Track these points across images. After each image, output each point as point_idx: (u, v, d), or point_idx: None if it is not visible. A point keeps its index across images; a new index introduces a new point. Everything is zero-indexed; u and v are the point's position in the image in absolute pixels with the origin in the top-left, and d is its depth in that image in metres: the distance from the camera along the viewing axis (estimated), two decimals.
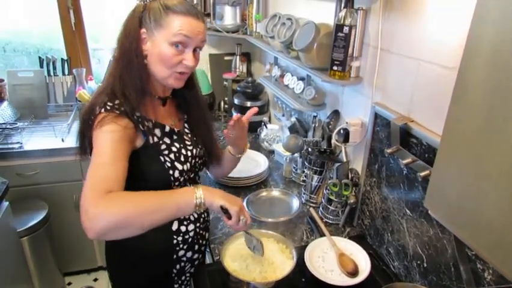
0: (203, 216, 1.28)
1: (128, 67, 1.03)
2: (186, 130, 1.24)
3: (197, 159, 1.23)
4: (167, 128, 1.14)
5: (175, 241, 1.18)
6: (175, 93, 1.21)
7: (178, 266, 1.23)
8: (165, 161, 1.10)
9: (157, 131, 1.11)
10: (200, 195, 0.96)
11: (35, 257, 2.19)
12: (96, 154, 0.95)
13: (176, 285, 1.26)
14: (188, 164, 1.16)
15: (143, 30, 1.04)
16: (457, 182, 0.68)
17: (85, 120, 1.04)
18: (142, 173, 1.07)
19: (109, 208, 0.84)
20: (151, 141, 1.08)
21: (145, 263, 1.18)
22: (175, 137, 1.16)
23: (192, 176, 1.23)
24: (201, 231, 1.27)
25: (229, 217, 1.02)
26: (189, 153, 1.18)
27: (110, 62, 1.15)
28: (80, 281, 2.66)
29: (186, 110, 1.26)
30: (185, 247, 1.21)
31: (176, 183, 1.14)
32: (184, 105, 1.25)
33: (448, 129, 0.68)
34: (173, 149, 1.13)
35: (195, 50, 1.07)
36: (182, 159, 1.14)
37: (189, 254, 1.24)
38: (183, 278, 1.27)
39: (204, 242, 1.30)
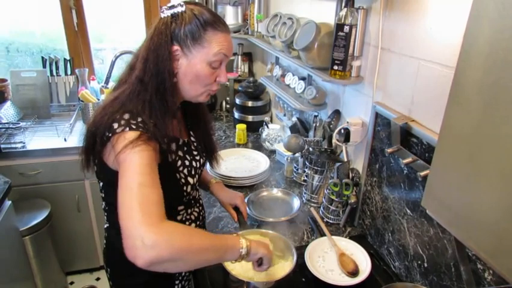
0: (201, 214, 1.28)
1: (159, 90, 0.96)
2: (192, 138, 1.22)
3: (202, 168, 1.23)
4: (180, 141, 1.11)
5: None
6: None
7: (180, 278, 1.24)
8: (180, 178, 1.08)
9: (173, 146, 1.07)
10: (245, 244, 0.95)
11: (37, 256, 2.21)
12: (134, 172, 0.84)
13: (177, 281, 1.26)
14: (197, 176, 1.16)
15: (176, 47, 0.96)
16: (453, 181, 0.67)
17: (96, 135, 0.95)
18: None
19: (171, 237, 0.78)
20: (170, 159, 1.03)
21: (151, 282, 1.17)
22: (185, 149, 1.13)
23: (197, 185, 1.23)
24: (201, 229, 1.27)
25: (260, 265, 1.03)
26: (197, 164, 1.16)
27: (126, 68, 1.05)
28: (82, 280, 2.67)
29: (191, 116, 1.23)
30: None
31: (187, 197, 1.12)
32: (188, 113, 1.22)
33: (445, 129, 0.68)
34: (186, 162, 1.11)
35: None
36: (193, 172, 1.13)
37: None
38: (183, 273, 1.27)
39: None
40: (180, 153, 1.10)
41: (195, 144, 1.21)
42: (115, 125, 0.91)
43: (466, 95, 0.62)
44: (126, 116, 0.92)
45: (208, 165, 1.44)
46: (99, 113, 0.97)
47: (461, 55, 0.63)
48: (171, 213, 1.13)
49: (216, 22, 0.98)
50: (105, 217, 1.20)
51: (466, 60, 0.62)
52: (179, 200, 1.11)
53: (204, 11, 0.99)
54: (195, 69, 0.98)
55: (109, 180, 1.06)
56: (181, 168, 1.09)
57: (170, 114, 1.01)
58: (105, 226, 1.24)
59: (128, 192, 0.82)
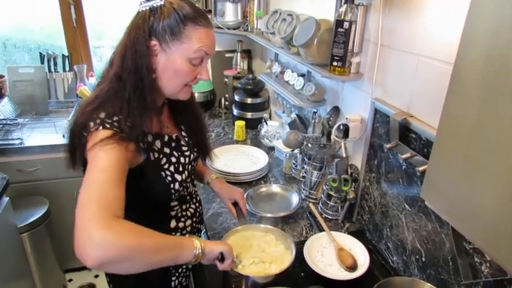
0: (198, 210, 1.28)
1: (138, 87, 0.93)
2: (183, 133, 1.20)
3: (193, 163, 1.20)
4: (166, 138, 1.09)
5: None
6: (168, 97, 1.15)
7: (177, 274, 1.24)
8: (166, 176, 1.06)
9: (157, 143, 1.05)
10: (199, 244, 0.94)
11: (35, 253, 2.20)
12: (97, 169, 0.83)
13: (173, 278, 1.26)
14: (186, 172, 1.14)
15: (154, 42, 0.93)
16: (452, 172, 0.68)
17: (75, 134, 0.94)
18: (144, 190, 1.02)
19: (120, 236, 0.75)
20: (152, 158, 1.02)
21: (147, 279, 1.13)
22: (173, 145, 1.11)
23: (189, 182, 1.21)
24: (197, 225, 1.27)
25: (223, 261, 1.04)
26: (186, 160, 1.14)
27: (103, 74, 1.02)
28: (81, 278, 2.67)
29: (180, 111, 1.20)
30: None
31: (176, 195, 1.11)
32: (177, 107, 1.19)
33: (445, 120, 0.69)
34: (173, 159, 1.09)
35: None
36: (180, 168, 1.11)
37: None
38: (180, 270, 1.27)
39: (199, 235, 1.30)
40: (166, 150, 1.07)
41: (186, 139, 1.19)
42: (91, 124, 0.89)
43: (465, 86, 0.63)
44: (102, 115, 0.90)
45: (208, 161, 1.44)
46: (79, 112, 0.96)
47: (461, 47, 0.63)
48: (164, 210, 1.13)
49: (197, 17, 0.95)
50: None
51: (466, 51, 0.63)
52: (168, 197, 1.09)
53: (184, 5, 0.95)
54: (174, 65, 0.95)
55: None
56: (166, 166, 1.06)
57: (151, 112, 0.98)
58: None
59: (87, 188, 0.80)
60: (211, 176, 1.45)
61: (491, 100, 0.59)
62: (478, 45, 0.61)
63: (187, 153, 1.15)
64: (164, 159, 1.06)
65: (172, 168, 1.08)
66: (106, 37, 2.95)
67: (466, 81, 0.64)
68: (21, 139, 2.27)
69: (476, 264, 0.97)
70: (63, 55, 2.69)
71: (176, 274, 1.26)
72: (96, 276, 2.69)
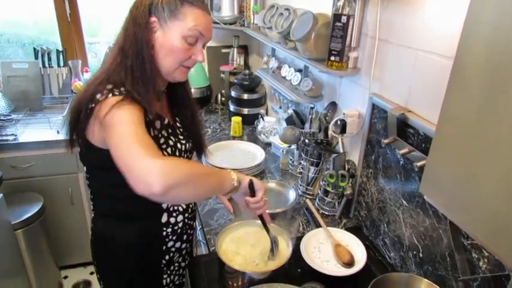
0: (191, 206, 1.27)
1: (138, 58, 0.98)
2: (178, 124, 1.21)
3: (188, 154, 1.21)
4: (166, 121, 1.11)
5: (164, 233, 1.17)
6: (168, 88, 1.18)
7: (167, 257, 1.22)
8: (163, 154, 1.06)
9: (157, 123, 1.07)
10: (235, 176, 1.03)
11: (30, 250, 2.18)
12: (123, 123, 0.86)
13: (165, 275, 1.25)
14: (181, 159, 1.13)
15: (154, 19, 0.98)
16: (451, 166, 0.67)
17: (80, 109, 0.95)
18: None
19: (177, 163, 0.82)
20: (152, 134, 1.02)
21: (134, 255, 1.16)
22: (169, 130, 1.12)
23: None
24: (189, 221, 1.25)
25: (253, 195, 1.08)
26: (183, 147, 1.15)
27: (109, 49, 1.08)
28: (76, 275, 2.65)
29: (177, 104, 1.22)
30: (174, 238, 1.20)
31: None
32: (175, 99, 1.21)
33: (444, 115, 0.68)
34: (170, 142, 1.10)
35: (203, 44, 1.06)
36: (177, 153, 1.12)
37: (178, 245, 1.22)
38: (172, 268, 1.26)
39: (191, 232, 1.29)
40: (164, 132, 1.09)
41: (181, 129, 1.20)
42: (98, 95, 0.92)
43: (466, 81, 0.62)
44: (109, 86, 0.94)
45: (203, 158, 1.43)
46: (84, 88, 0.99)
47: (462, 41, 0.62)
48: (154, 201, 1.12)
49: (196, 0, 0.99)
50: (91, 207, 1.19)
51: (467, 46, 0.62)
52: None
53: None
54: (170, 42, 0.99)
55: (94, 161, 1.07)
56: (164, 146, 1.08)
57: (153, 86, 1.02)
58: (92, 217, 1.22)
59: (122, 140, 0.83)
60: None
61: (492, 95, 0.58)
62: (479, 40, 0.60)
63: (183, 142, 1.17)
64: (163, 140, 1.08)
65: (169, 150, 1.09)
66: (100, 33, 2.92)
67: (467, 76, 0.63)
68: (15, 135, 2.25)
69: (474, 260, 0.97)
70: (57, 50, 2.66)
71: (168, 272, 1.25)
72: (91, 273, 2.68)
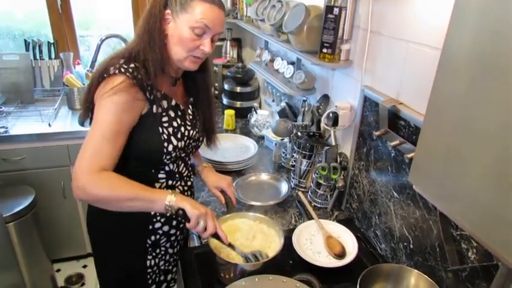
0: (185, 194, 1.28)
1: (150, 43, 1.08)
2: (189, 111, 1.27)
3: (191, 141, 1.25)
4: (173, 102, 1.18)
5: (152, 212, 1.21)
6: (186, 75, 1.25)
7: (153, 238, 1.26)
8: (163, 132, 1.13)
9: (164, 103, 1.15)
10: (173, 198, 1.05)
11: (22, 243, 2.17)
12: (99, 123, 1.01)
13: (149, 257, 1.28)
14: (182, 142, 1.19)
15: (168, 11, 1.08)
16: (439, 155, 0.68)
17: (97, 76, 1.07)
18: (139, 139, 1.10)
19: (97, 187, 0.98)
20: (154, 111, 1.11)
21: (122, 229, 1.22)
22: (179, 113, 1.20)
23: (183, 155, 1.26)
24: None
25: (188, 221, 1.07)
26: (186, 133, 1.21)
27: (132, 38, 1.18)
28: (69, 268, 2.64)
29: (194, 92, 1.30)
30: (162, 220, 1.24)
31: (168, 157, 1.16)
32: (192, 87, 1.29)
33: (432, 103, 0.68)
34: (174, 123, 1.17)
35: (212, 37, 1.11)
36: (179, 135, 1.17)
37: (166, 228, 1.26)
38: (158, 251, 1.29)
39: (184, 221, 1.30)
40: (171, 113, 1.17)
41: (191, 116, 1.26)
42: (111, 68, 1.04)
43: (453, 69, 0.62)
44: (121, 61, 1.06)
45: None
46: (102, 62, 1.11)
47: (449, 29, 0.63)
48: (151, 175, 1.20)
49: None
50: None
51: (454, 34, 0.62)
52: (159, 156, 1.15)
53: None
54: (179, 31, 1.07)
55: None
56: (166, 125, 1.15)
57: (163, 71, 1.12)
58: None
59: (88, 140, 1.01)
60: (201, 164, 1.45)
61: (478, 83, 0.58)
62: (466, 30, 0.60)
63: (189, 127, 1.22)
64: (166, 118, 1.15)
65: (170, 130, 1.16)
66: (93, 26, 2.89)
67: (454, 66, 0.63)
68: (6, 128, 2.22)
69: (463, 251, 0.98)
70: (48, 42, 2.63)
71: (153, 254, 1.30)
72: (84, 266, 2.67)
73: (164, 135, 1.14)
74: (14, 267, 2.09)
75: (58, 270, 2.63)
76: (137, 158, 1.13)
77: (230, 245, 1.15)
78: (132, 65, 1.06)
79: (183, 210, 1.05)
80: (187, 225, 1.08)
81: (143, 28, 1.09)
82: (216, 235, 1.13)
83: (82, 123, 2.36)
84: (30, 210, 2.19)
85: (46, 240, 2.41)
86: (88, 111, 1.13)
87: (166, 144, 1.14)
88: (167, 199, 1.04)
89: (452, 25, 0.63)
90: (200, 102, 1.31)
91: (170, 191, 1.08)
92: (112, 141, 1.01)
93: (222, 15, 1.11)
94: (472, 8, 0.58)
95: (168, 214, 1.05)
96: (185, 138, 1.20)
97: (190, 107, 1.28)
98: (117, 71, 1.03)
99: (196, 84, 1.28)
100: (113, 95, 1.01)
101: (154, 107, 1.11)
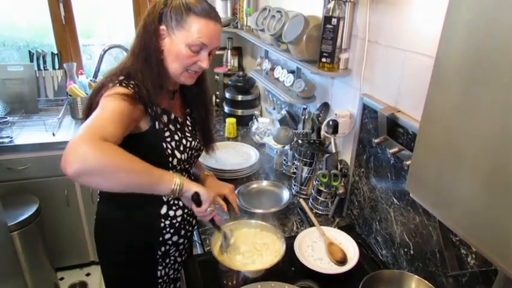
0: None
1: (147, 62, 1.06)
2: (188, 122, 1.27)
3: (193, 151, 1.26)
4: (173, 116, 1.17)
5: (162, 224, 1.21)
6: (183, 86, 1.24)
7: (163, 249, 1.26)
8: (167, 147, 1.13)
9: (165, 117, 1.14)
10: (179, 180, 1.00)
11: (26, 251, 2.19)
12: (102, 108, 0.95)
13: (160, 267, 1.28)
14: (185, 154, 1.20)
15: (162, 27, 1.06)
16: (434, 163, 0.70)
17: (95, 93, 1.05)
18: (144, 156, 1.05)
19: (103, 153, 0.84)
20: (157, 127, 1.10)
21: (130, 241, 1.21)
22: (178, 126, 1.19)
23: (187, 166, 1.27)
24: (188, 218, 1.28)
25: (199, 205, 1.06)
26: (188, 144, 1.21)
27: (127, 55, 1.17)
28: (72, 276, 2.66)
29: (191, 104, 1.29)
30: (171, 231, 1.24)
31: (173, 171, 1.16)
32: (190, 99, 1.29)
33: (426, 112, 0.70)
34: (176, 137, 1.17)
35: (210, 52, 1.11)
36: (181, 148, 1.18)
37: (175, 238, 1.27)
38: (167, 260, 1.30)
39: (191, 229, 1.32)
40: (171, 127, 1.16)
41: (190, 127, 1.26)
42: (110, 84, 1.02)
43: (446, 78, 0.65)
44: (121, 78, 1.04)
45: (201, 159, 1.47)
46: (98, 82, 1.09)
47: (442, 40, 0.65)
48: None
49: (199, 7, 1.04)
50: (98, 191, 1.26)
51: (446, 44, 0.64)
52: (165, 170, 1.11)
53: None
54: (176, 49, 1.06)
55: None
56: (168, 140, 1.14)
57: (162, 89, 1.10)
58: (97, 199, 1.27)
59: (88, 120, 0.91)
60: (203, 173, 1.47)
61: (470, 93, 0.60)
62: (457, 40, 0.62)
63: (189, 139, 1.22)
64: (168, 133, 1.15)
65: (173, 144, 1.16)
66: (94, 35, 2.93)
67: (446, 73, 0.66)
68: (11, 137, 2.25)
69: (462, 256, 0.99)
70: (52, 53, 2.67)
71: (163, 264, 1.29)
72: (88, 274, 2.68)
73: (168, 150, 1.14)
74: (18, 276, 2.10)
75: (62, 279, 2.65)
76: None
77: (217, 227, 1.19)
78: (132, 82, 1.04)
79: (197, 194, 1.04)
80: (197, 209, 1.06)
81: (138, 45, 1.07)
82: (212, 220, 1.15)
83: None
84: (34, 219, 2.21)
85: (50, 248, 2.43)
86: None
87: (170, 158, 1.14)
88: (175, 180, 0.99)
89: (443, 36, 0.65)
90: (198, 113, 1.31)
91: (172, 172, 1.04)
92: (113, 121, 0.92)
93: (218, 29, 1.10)
94: (462, 20, 0.60)
95: (170, 198, 1.02)
96: (188, 149, 1.21)
97: (188, 118, 1.29)
98: (117, 84, 1.02)
99: (193, 95, 1.28)
100: (115, 95, 0.97)
101: (157, 123, 1.10)
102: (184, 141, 1.20)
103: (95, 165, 0.82)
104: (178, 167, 1.18)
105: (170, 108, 1.18)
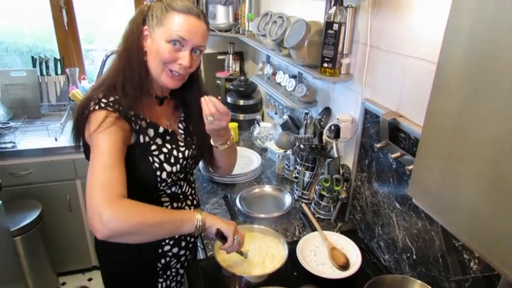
0: None
1: (129, 62, 1.06)
2: (180, 131, 1.22)
3: (189, 160, 1.22)
4: (161, 129, 1.13)
5: None
6: (176, 94, 1.21)
7: (163, 261, 1.23)
8: (153, 161, 1.09)
9: (151, 131, 1.11)
10: (200, 217, 1.02)
11: (28, 256, 2.19)
12: (97, 154, 0.95)
13: (160, 280, 1.26)
14: (178, 166, 1.15)
15: (145, 27, 1.07)
16: (436, 169, 0.70)
17: (79, 113, 1.05)
18: (130, 170, 1.03)
19: (125, 214, 0.87)
20: (141, 141, 1.08)
21: (131, 253, 1.17)
22: (167, 138, 1.15)
23: (181, 176, 1.23)
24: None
25: (224, 240, 1.08)
26: (180, 155, 1.17)
27: (113, 58, 1.16)
28: (74, 281, 2.65)
29: (184, 108, 1.25)
30: (171, 243, 1.21)
31: (163, 184, 1.13)
32: (183, 106, 1.25)
33: (428, 118, 0.71)
34: (164, 150, 1.13)
35: (194, 51, 1.07)
36: (172, 160, 1.13)
37: (175, 250, 1.23)
38: (168, 273, 1.27)
39: (192, 240, 1.28)
40: (158, 140, 1.13)
41: (183, 136, 1.22)
42: (92, 103, 1.01)
43: (447, 85, 0.65)
44: (100, 95, 1.03)
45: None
46: (88, 91, 1.10)
47: (443, 46, 0.65)
48: (154, 204, 1.10)
49: (179, 4, 1.04)
50: None
51: (447, 51, 0.65)
52: (154, 184, 1.11)
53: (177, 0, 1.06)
54: (156, 46, 1.05)
55: None
56: (155, 153, 1.11)
57: (142, 91, 1.08)
58: None
59: (92, 173, 0.92)
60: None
61: (472, 98, 0.61)
62: (459, 47, 0.63)
63: (182, 149, 1.18)
64: (155, 146, 1.12)
65: (162, 157, 1.12)
66: (96, 40, 2.95)
67: (448, 80, 0.66)
68: (14, 142, 2.26)
69: (465, 261, 0.99)
70: (55, 58, 2.69)
71: (164, 276, 1.26)
72: (90, 279, 2.68)
73: (156, 164, 1.10)
74: (20, 281, 2.11)
75: (64, 284, 2.64)
76: (134, 188, 1.02)
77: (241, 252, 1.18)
78: (112, 98, 1.02)
79: (219, 230, 1.05)
80: (223, 246, 1.09)
81: (122, 47, 1.08)
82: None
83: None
84: (36, 224, 2.22)
85: (52, 253, 2.43)
86: (78, 137, 1.09)
87: (158, 172, 1.10)
88: (197, 217, 1.01)
89: (445, 42, 0.66)
90: (191, 117, 1.24)
91: (192, 210, 1.06)
92: (117, 166, 0.94)
93: (200, 25, 1.05)
94: (463, 26, 0.61)
95: (197, 234, 1.03)
96: (181, 160, 1.16)
97: (181, 125, 1.24)
98: (97, 107, 0.99)
99: (187, 103, 1.23)
100: (103, 130, 0.96)
101: (141, 137, 1.08)
102: (175, 152, 1.15)
103: (121, 229, 0.87)
104: (169, 180, 1.14)
105: (158, 119, 1.15)
